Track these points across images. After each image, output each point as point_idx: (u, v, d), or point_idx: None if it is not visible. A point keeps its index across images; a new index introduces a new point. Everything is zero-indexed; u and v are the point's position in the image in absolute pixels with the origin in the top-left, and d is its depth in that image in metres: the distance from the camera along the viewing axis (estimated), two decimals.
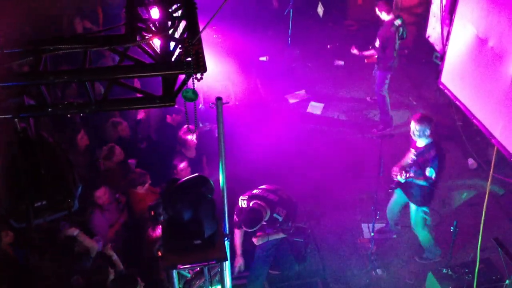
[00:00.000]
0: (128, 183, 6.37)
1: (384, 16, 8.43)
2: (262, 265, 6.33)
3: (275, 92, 10.17)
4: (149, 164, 6.91)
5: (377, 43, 8.66)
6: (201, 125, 8.03)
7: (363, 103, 9.80)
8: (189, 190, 4.43)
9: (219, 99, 4.20)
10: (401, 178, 6.11)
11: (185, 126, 7.04)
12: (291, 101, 9.93)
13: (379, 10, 8.45)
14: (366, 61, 9.36)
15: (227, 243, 4.78)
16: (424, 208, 6.40)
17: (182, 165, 6.58)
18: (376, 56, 8.79)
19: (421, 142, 6.10)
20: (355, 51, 9.17)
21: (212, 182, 4.52)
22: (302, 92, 10.11)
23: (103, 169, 6.64)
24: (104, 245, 5.61)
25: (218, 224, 4.54)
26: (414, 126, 6.04)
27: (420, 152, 6.12)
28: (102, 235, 5.93)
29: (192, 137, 6.92)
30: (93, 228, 5.93)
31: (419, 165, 6.11)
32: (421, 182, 6.13)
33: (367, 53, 9.06)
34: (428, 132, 5.99)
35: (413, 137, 6.13)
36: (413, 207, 6.44)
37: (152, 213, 5.08)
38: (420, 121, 6.01)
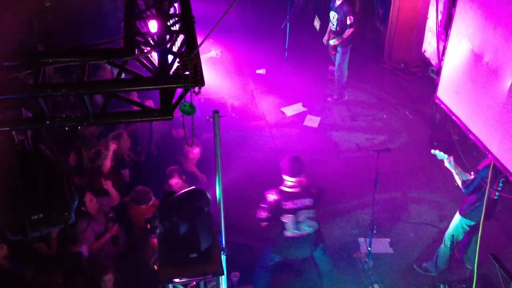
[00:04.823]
0: (131, 201, 6.35)
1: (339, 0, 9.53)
2: (264, 276, 6.21)
3: (272, 105, 10.20)
4: (149, 177, 6.89)
5: (333, 27, 9.64)
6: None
7: (360, 116, 9.85)
8: (186, 203, 4.42)
9: (216, 112, 4.20)
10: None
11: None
12: (288, 114, 9.95)
13: None
14: (333, 53, 10.03)
15: (223, 257, 4.76)
16: (465, 220, 6.26)
17: (175, 180, 6.56)
18: (335, 39, 9.70)
19: None
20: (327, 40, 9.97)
21: (208, 195, 4.52)
22: (299, 105, 10.14)
23: (88, 172, 6.56)
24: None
25: (214, 238, 4.53)
26: None
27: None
28: (87, 243, 5.88)
29: (196, 151, 6.90)
30: (78, 235, 5.85)
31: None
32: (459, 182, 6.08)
33: (334, 42, 9.77)
34: None
35: None
36: (457, 214, 6.38)
37: (149, 226, 5.06)
38: None
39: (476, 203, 6.02)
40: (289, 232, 5.80)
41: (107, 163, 6.48)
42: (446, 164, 6.10)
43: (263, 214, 5.75)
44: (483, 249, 5.49)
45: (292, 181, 5.69)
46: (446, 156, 6.07)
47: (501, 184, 5.84)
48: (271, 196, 5.71)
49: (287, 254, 6.07)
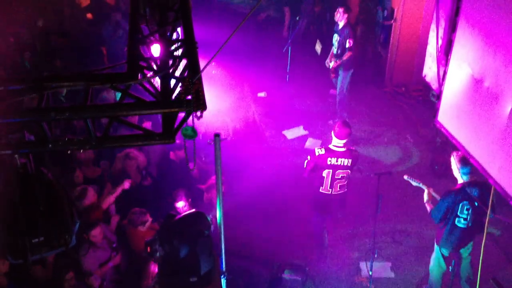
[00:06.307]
0: (129, 224, 6.32)
1: (342, 23, 9.55)
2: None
3: (273, 128, 10.23)
4: (149, 200, 6.87)
5: (335, 50, 9.69)
6: (203, 158, 8.02)
7: (361, 139, 9.87)
8: (186, 226, 4.41)
9: (217, 135, 4.22)
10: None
11: None
12: (289, 137, 9.98)
13: (340, 19, 9.51)
14: (333, 76, 10.05)
15: (223, 281, 4.74)
16: (440, 248, 6.27)
17: (182, 203, 6.54)
18: (334, 61, 9.74)
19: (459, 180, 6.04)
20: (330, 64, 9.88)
21: (209, 218, 4.51)
22: (300, 128, 10.17)
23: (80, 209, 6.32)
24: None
25: (215, 261, 4.50)
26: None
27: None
28: (92, 271, 5.85)
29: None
30: (84, 264, 5.85)
31: None
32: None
33: (333, 64, 9.79)
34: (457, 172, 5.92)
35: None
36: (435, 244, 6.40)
37: (149, 249, 5.04)
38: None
39: (446, 232, 6.06)
40: (323, 189, 6.46)
41: (110, 199, 6.43)
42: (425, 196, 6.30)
43: (308, 167, 6.43)
44: (484, 274, 5.45)
45: (339, 142, 6.33)
46: (419, 183, 6.25)
47: (468, 212, 5.87)
48: (319, 151, 6.37)
49: (320, 207, 6.71)
